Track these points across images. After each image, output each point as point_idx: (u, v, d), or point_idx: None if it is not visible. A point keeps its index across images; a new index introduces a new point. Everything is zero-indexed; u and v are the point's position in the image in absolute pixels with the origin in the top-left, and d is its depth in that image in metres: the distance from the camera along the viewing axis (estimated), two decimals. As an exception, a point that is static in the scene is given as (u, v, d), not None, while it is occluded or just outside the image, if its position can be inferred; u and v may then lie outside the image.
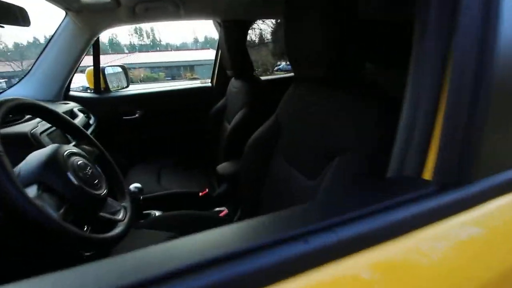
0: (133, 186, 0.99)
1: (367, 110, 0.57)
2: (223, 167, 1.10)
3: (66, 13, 1.21)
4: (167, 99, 1.70)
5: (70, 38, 1.27)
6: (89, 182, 0.57)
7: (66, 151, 0.57)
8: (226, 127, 1.41)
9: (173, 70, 16.55)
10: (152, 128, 1.68)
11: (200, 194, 1.21)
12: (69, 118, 0.68)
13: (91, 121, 1.37)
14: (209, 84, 1.81)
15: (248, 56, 1.27)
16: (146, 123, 1.65)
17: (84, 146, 0.71)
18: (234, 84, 1.39)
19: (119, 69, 1.71)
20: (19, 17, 0.78)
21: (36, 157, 0.53)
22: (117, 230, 0.59)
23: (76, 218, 0.52)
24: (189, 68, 15.67)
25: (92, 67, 1.50)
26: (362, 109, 0.58)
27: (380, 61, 1.41)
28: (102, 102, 1.53)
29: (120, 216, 0.65)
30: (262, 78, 1.88)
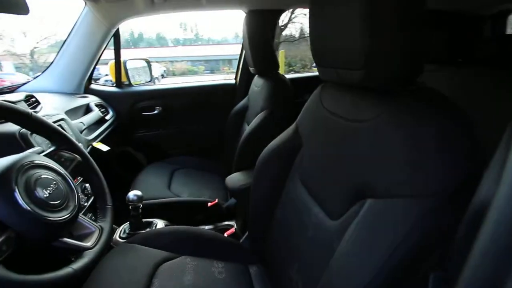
0: (132, 193, 0.90)
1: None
2: (232, 179, 0.96)
3: (85, 4, 1.16)
4: (188, 96, 1.61)
5: (89, 30, 1.22)
6: (45, 204, 0.46)
7: (26, 163, 0.48)
8: (245, 131, 1.26)
9: (212, 64, 16.91)
10: (171, 126, 1.61)
11: (209, 204, 1.09)
12: (45, 120, 0.59)
13: (107, 116, 1.33)
14: (233, 81, 1.67)
15: (273, 51, 1.09)
16: (165, 120, 1.58)
17: (64, 153, 0.61)
18: (256, 83, 1.23)
19: (144, 63, 1.66)
20: (16, 4, 0.72)
21: None
22: (78, 263, 0.48)
23: (20, 250, 0.42)
24: (227, 62, 15.86)
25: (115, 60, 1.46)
26: (422, 134, 0.38)
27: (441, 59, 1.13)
28: (122, 97, 1.49)
29: (90, 242, 0.54)
30: (290, 75, 1.69)
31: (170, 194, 1.13)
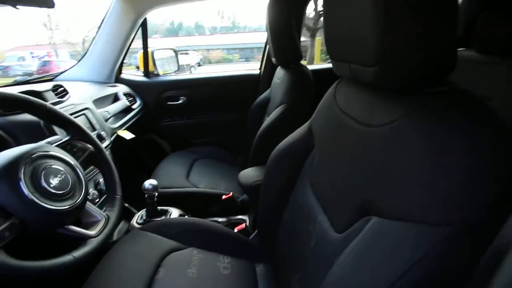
0: (148, 183, 0.93)
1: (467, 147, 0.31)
2: (245, 175, 0.94)
3: (114, -6, 1.19)
4: (212, 87, 1.60)
5: (118, 20, 1.26)
6: (50, 193, 0.48)
7: (36, 153, 0.50)
8: (264, 124, 1.22)
9: (247, 52, 16.86)
10: (195, 115, 1.63)
11: (223, 197, 1.09)
12: (59, 111, 0.62)
13: (134, 106, 1.38)
14: (258, 72, 1.62)
15: (295, 41, 1.01)
16: (189, 110, 1.60)
17: (77, 143, 0.64)
18: (278, 74, 1.17)
19: (171, 53, 1.68)
20: (43, -2, 0.75)
21: None
22: (80, 251, 0.50)
23: (23, 236, 0.45)
24: (262, 50, 15.68)
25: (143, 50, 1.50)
26: (448, 148, 0.31)
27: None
28: (149, 86, 1.53)
29: (95, 230, 0.56)
30: (314, 66, 1.58)
31: (187, 184, 1.14)
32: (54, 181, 0.50)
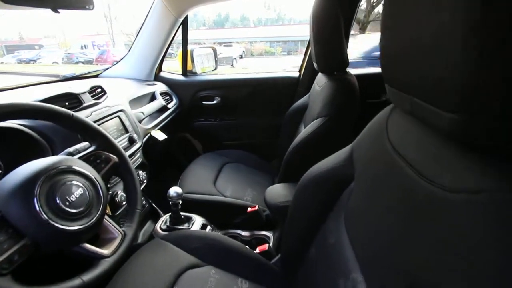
0: (173, 190, 0.91)
1: None
2: (272, 192, 0.86)
3: (157, -8, 1.18)
4: (247, 88, 1.54)
5: (159, 18, 1.25)
6: (64, 212, 0.47)
7: (54, 168, 0.49)
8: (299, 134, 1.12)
9: (290, 45, 16.48)
10: (228, 117, 1.59)
11: (249, 210, 1.03)
12: (86, 121, 0.60)
13: (170, 104, 1.38)
14: (297, 74, 1.51)
15: (343, 44, 0.88)
16: (223, 111, 1.57)
17: (102, 153, 0.63)
18: (318, 80, 1.06)
19: (210, 50, 1.66)
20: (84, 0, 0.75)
21: (13, 176, 0.46)
22: (90, 274, 0.48)
23: (33, 258, 0.44)
24: (306, 43, 15.18)
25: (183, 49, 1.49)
26: None
27: None
28: (186, 85, 1.53)
29: (110, 249, 0.55)
30: (361, 71, 1.40)
31: (213, 191, 1.11)
32: (72, 198, 0.49)
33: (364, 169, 0.49)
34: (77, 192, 0.50)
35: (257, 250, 0.88)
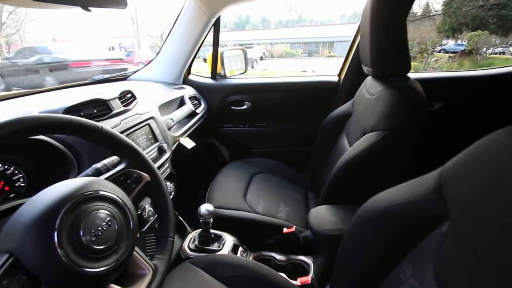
0: (205, 208, 0.82)
1: None
2: (317, 216, 0.75)
3: (190, -9, 1.11)
4: (279, 93, 1.43)
5: (191, 19, 1.18)
6: (89, 250, 0.38)
7: (80, 194, 0.40)
8: (342, 147, 1.00)
9: (311, 46, 16.15)
10: (258, 123, 1.49)
11: (285, 230, 0.92)
12: (116, 135, 0.52)
13: (199, 109, 1.30)
14: (335, 79, 1.38)
15: (406, 46, 0.75)
16: (253, 117, 1.47)
17: (132, 172, 0.54)
18: (369, 86, 0.92)
19: (240, 52, 1.57)
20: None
21: (30, 206, 0.38)
22: None
23: None
24: (328, 45, 14.81)
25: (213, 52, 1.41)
26: None
27: None
28: (215, 89, 1.45)
29: (139, 288, 0.46)
30: (420, 75, 1.23)
31: (244, 206, 1.01)
32: (98, 232, 0.40)
33: (469, 210, 0.37)
34: (104, 224, 0.41)
35: (298, 282, 0.76)
